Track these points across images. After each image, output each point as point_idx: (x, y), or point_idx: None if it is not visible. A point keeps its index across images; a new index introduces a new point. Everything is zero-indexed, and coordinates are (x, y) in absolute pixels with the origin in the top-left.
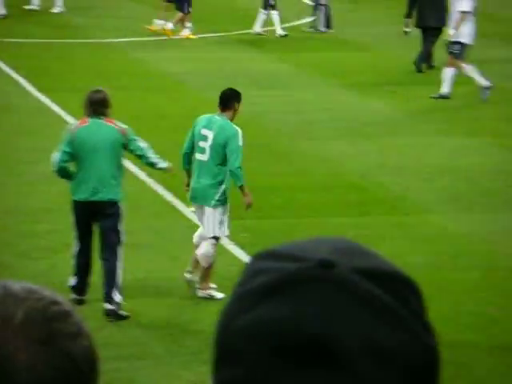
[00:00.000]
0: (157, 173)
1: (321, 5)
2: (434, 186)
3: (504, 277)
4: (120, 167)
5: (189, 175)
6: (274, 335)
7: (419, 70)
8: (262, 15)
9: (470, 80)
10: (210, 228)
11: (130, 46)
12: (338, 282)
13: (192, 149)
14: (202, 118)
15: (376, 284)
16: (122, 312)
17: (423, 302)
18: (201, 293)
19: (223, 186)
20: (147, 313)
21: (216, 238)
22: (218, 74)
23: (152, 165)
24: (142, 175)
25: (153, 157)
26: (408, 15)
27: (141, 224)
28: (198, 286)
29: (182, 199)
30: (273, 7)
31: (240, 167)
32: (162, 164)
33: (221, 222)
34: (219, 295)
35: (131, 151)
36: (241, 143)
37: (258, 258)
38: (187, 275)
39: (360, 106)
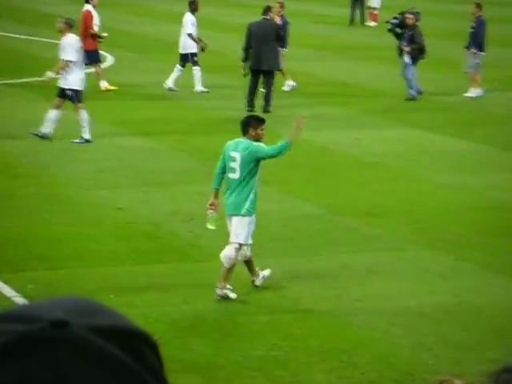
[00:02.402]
0: None
1: None
2: (224, 232)
3: (289, 320)
4: None
5: (215, 196)
6: None
7: (266, 111)
8: (178, 71)
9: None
10: (236, 235)
11: None
12: (71, 341)
13: (223, 169)
14: (231, 143)
15: (111, 342)
16: None
17: (160, 357)
18: (219, 291)
19: (251, 196)
20: None
21: (240, 244)
22: (7, 121)
23: None
24: None
25: None
26: (245, 59)
27: None
28: (218, 285)
29: None
30: (195, 63)
31: (273, 150)
32: None
33: (247, 232)
34: (233, 295)
35: None
36: (265, 146)
37: None
38: (256, 281)
39: (152, 154)
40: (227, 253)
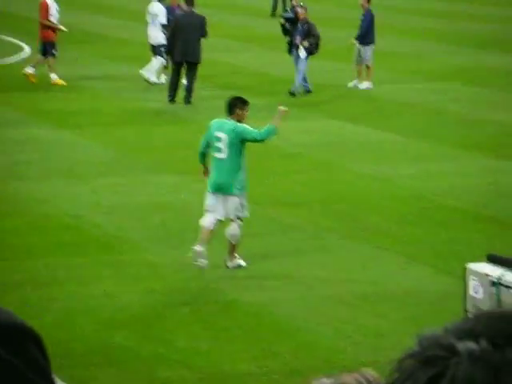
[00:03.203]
0: None
1: None
2: (146, 224)
3: (212, 311)
4: None
5: (205, 167)
6: None
7: (188, 102)
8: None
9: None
10: (235, 211)
11: None
12: None
13: (206, 148)
14: (215, 123)
15: None
16: None
17: (45, 352)
18: (230, 264)
19: (241, 176)
20: None
21: (240, 219)
22: None
23: None
24: None
25: None
26: (168, 52)
27: None
28: (227, 259)
29: None
30: (160, 54)
31: (260, 135)
32: None
33: (242, 206)
34: (243, 263)
35: None
36: (251, 128)
37: None
38: (197, 248)
39: (71, 146)
40: (233, 232)
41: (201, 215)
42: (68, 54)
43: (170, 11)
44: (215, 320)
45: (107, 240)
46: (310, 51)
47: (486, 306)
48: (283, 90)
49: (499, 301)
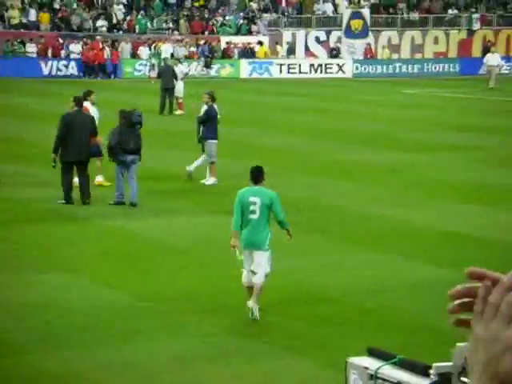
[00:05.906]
0: None
1: None
2: (29, 325)
3: None
4: None
5: (236, 236)
6: None
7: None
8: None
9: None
10: (264, 266)
11: None
12: None
13: (242, 214)
14: (245, 191)
15: None
16: None
17: None
18: (253, 304)
19: (269, 235)
20: None
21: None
22: None
23: None
24: None
25: None
26: (56, 150)
27: None
28: (254, 300)
29: None
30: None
31: (285, 218)
32: None
33: (268, 260)
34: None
35: None
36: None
37: None
38: (251, 303)
39: None
40: (260, 281)
41: (86, 313)
42: None
43: None
44: None
45: None
46: (111, 155)
47: None
48: (171, 186)
49: None
